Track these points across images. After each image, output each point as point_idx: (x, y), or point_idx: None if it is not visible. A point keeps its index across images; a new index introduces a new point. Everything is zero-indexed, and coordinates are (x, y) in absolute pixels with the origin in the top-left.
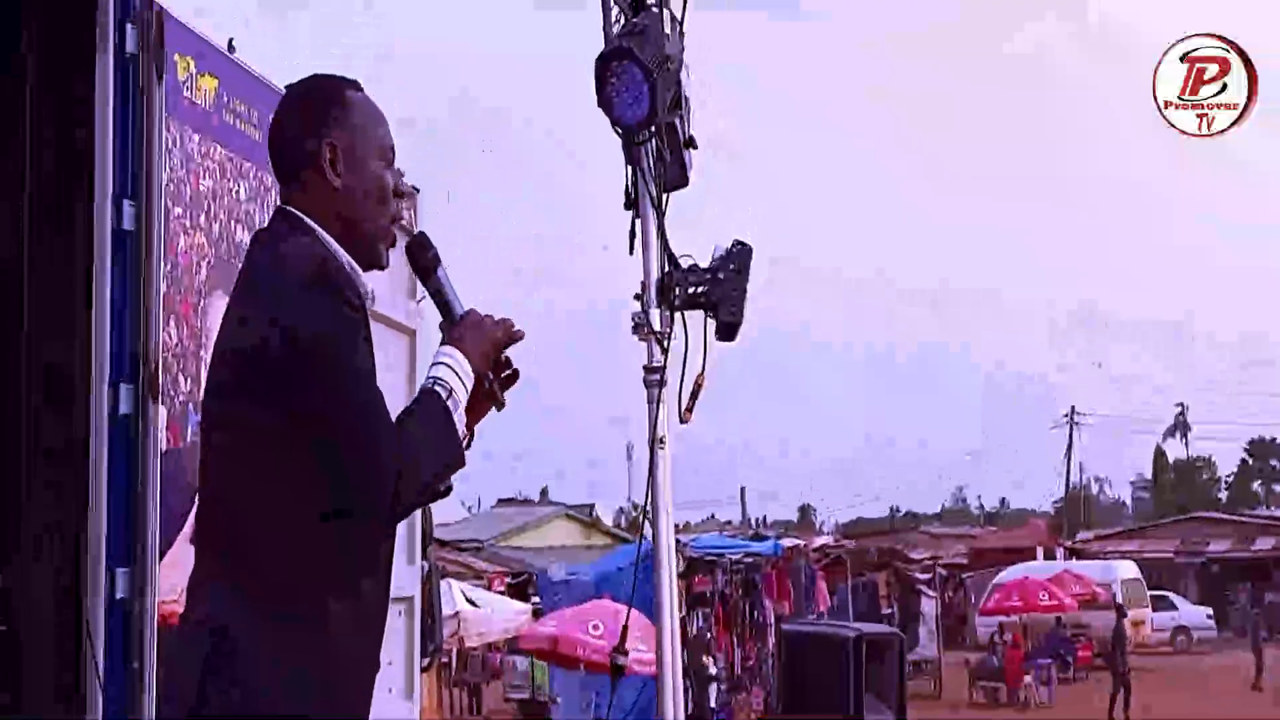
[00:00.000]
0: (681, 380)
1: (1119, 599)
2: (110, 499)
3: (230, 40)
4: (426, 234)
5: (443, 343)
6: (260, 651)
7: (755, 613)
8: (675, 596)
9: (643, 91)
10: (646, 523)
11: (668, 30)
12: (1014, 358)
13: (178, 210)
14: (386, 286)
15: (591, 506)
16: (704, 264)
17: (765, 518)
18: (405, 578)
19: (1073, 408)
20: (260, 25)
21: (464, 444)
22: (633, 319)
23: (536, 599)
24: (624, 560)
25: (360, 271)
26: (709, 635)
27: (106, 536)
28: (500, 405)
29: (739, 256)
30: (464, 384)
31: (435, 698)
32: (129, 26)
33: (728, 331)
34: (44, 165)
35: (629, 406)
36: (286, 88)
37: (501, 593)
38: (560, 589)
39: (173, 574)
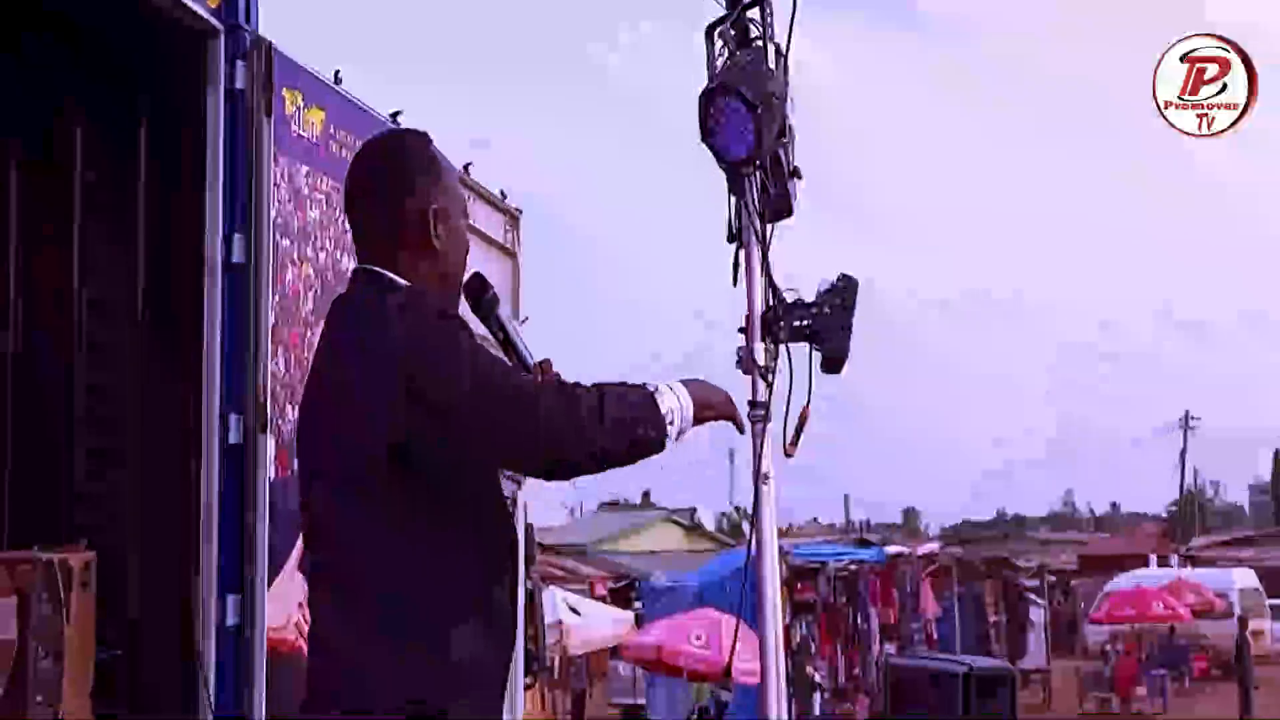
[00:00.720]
0: (786, 414)
1: (1237, 609)
2: (221, 527)
3: (337, 72)
4: (482, 274)
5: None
6: (393, 678)
7: (860, 620)
8: (779, 630)
9: (748, 126)
10: (746, 524)
11: (772, 64)
12: (1127, 357)
13: (285, 242)
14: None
15: (693, 510)
16: (809, 297)
17: (869, 521)
18: None
19: (1187, 411)
20: (367, 54)
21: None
22: (737, 353)
23: (639, 604)
24: (726, 568)
25: None
26: (812, 643)
27: (218, 564)
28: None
29: (844, 290)
30: (680, 404)
31: (539, 702)
32: (239, 63)
33: (833, 365)
34: (157, 200)
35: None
36: (365, 145)
37: (603, 597)
38: (663, 596)
39: (279, 602)
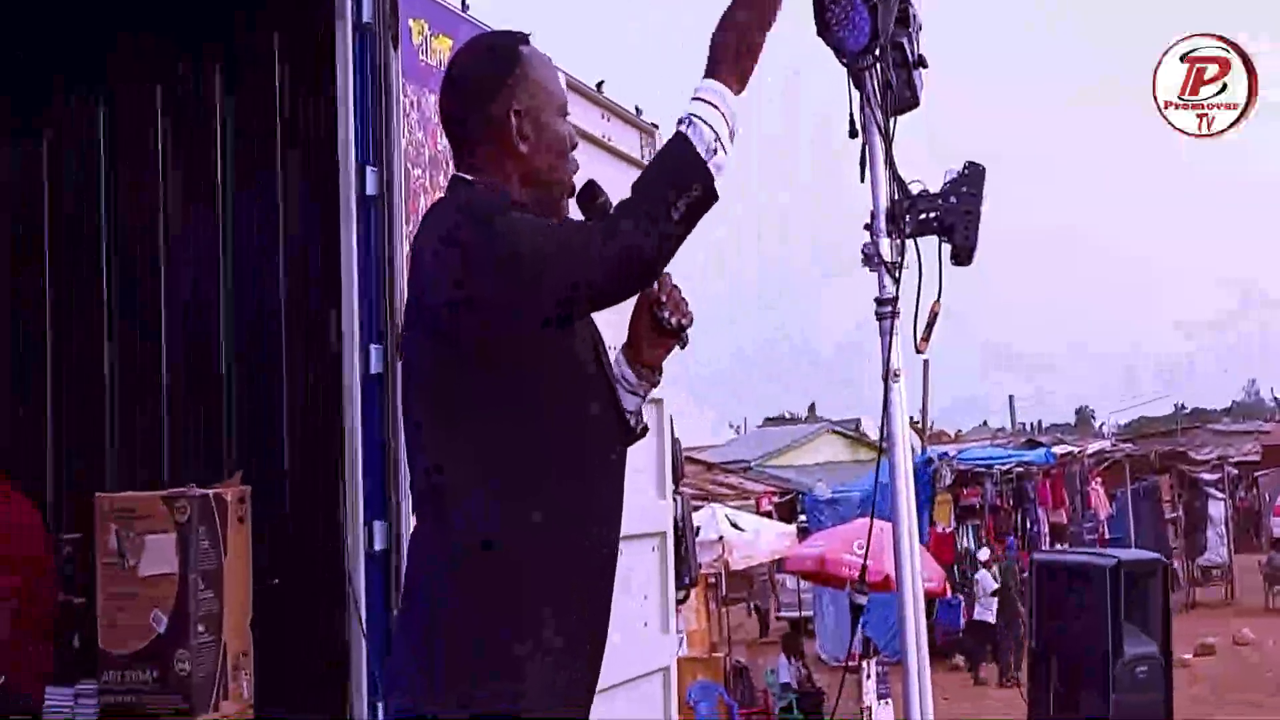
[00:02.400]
0: (916, 310)
1: None
2: (366, 456)
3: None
4: (595, 181)
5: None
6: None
7: (1029, 523)
8: (914, 530)
9: (863, 16)
10: (913, 432)
11: None
12: None
13: (417, 171)
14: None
15: (857, 421)
16: (934, 188)
17: (1040, 423)
18: (656, 513)
19: None
20: None
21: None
22: (862, 250)
23: (803, 517)
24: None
25: None
26: (980, 548)
27: (364, 491)
28: (684, 343)
29: (971, 178)
30: (721, 110)
31: (704, 618)
32: None
33: (962, 256)
34: (293, 136)
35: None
36: (456, 51)
37: (768, 513)
38: (825, 508)
39: None
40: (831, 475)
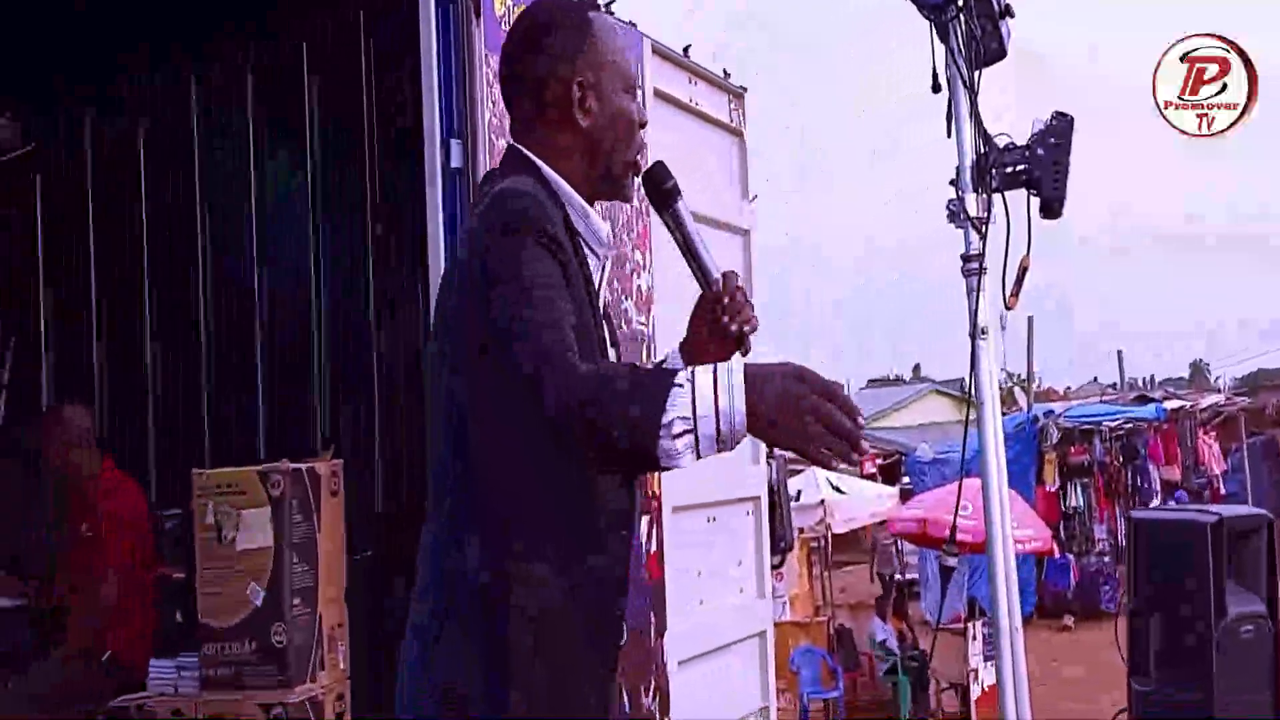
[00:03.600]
0: (1004, 265)
1: None
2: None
3: None
4: (664, 164)
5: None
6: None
7: (1140, 480)
8: (1004, 489)
9: None
10: (1019, 390)
11: None
12: None
13: (502, 143)
14: (719, 192)
15: (962, 381)
16: (1021, 141)
17: (1152, 378)
18: (750, 478)
19: None
20: None
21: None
22: (947, 206)
23: (906, 479)
24: None
25: (592, 214)
26: (1089, 506)
27: None
28: (746, 350)
29: (1059, 129)
30: (714, 411)
31: (806, 582)
32: None
33: (1051, 209)
34: (377, 111)
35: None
36: (521, 14)
37: (872, 475)
38: (929, 469)
39: None
40: (935, 436)
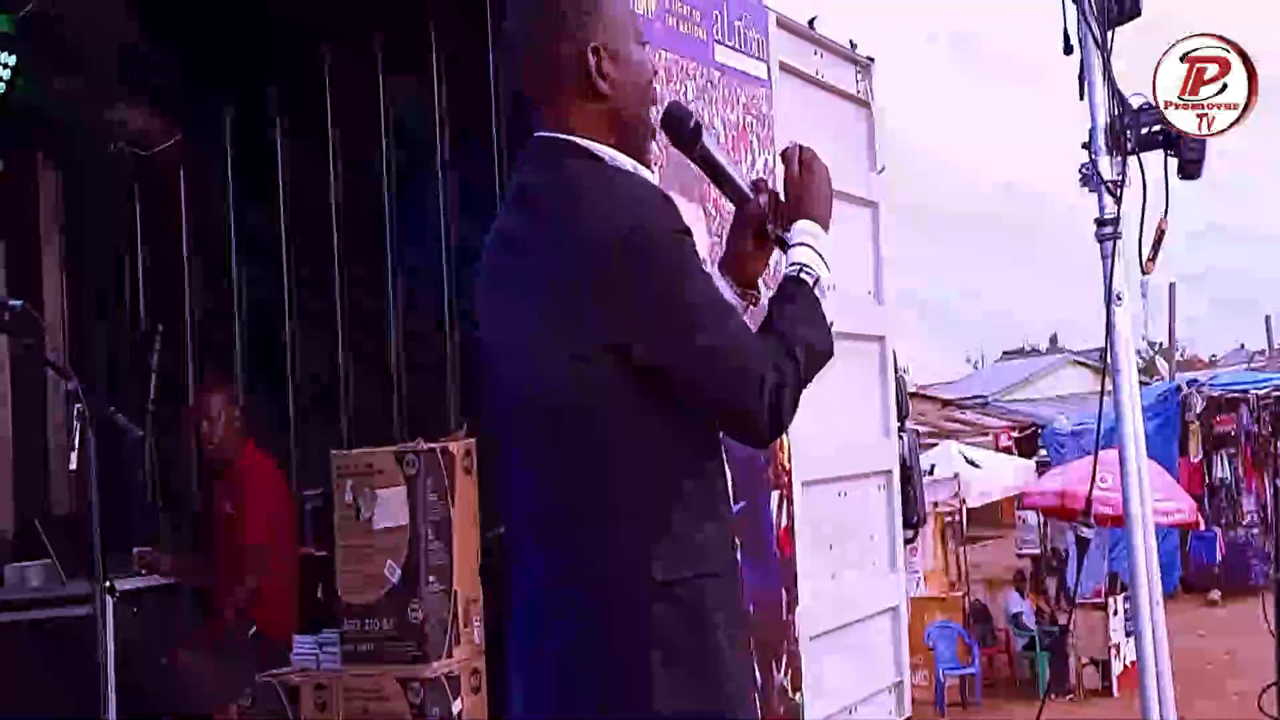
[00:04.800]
0: (1141, 228)
1: None
2: None
3: None
4: (680, 103)
5: (786, 222)
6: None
7: None
8: (1143, 459)
9: None
10: (1161, 359)
11: None
12: None
13: None
14: (846, 164)
15: (1101, 350)
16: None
17: None
18: (881, 451)
19: None
20: None
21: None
22: (1080, 170)
23: (1043, 452)
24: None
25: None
26: (1236, 477)
27: None
28: (785, 246)
29: None
30: (823, 257)
31: (942, 557)
32: None
33: (1191, 169)
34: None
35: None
36: None
37: (1008, 448)
38: (1067, 441)
39: None
40: (1074, 407)
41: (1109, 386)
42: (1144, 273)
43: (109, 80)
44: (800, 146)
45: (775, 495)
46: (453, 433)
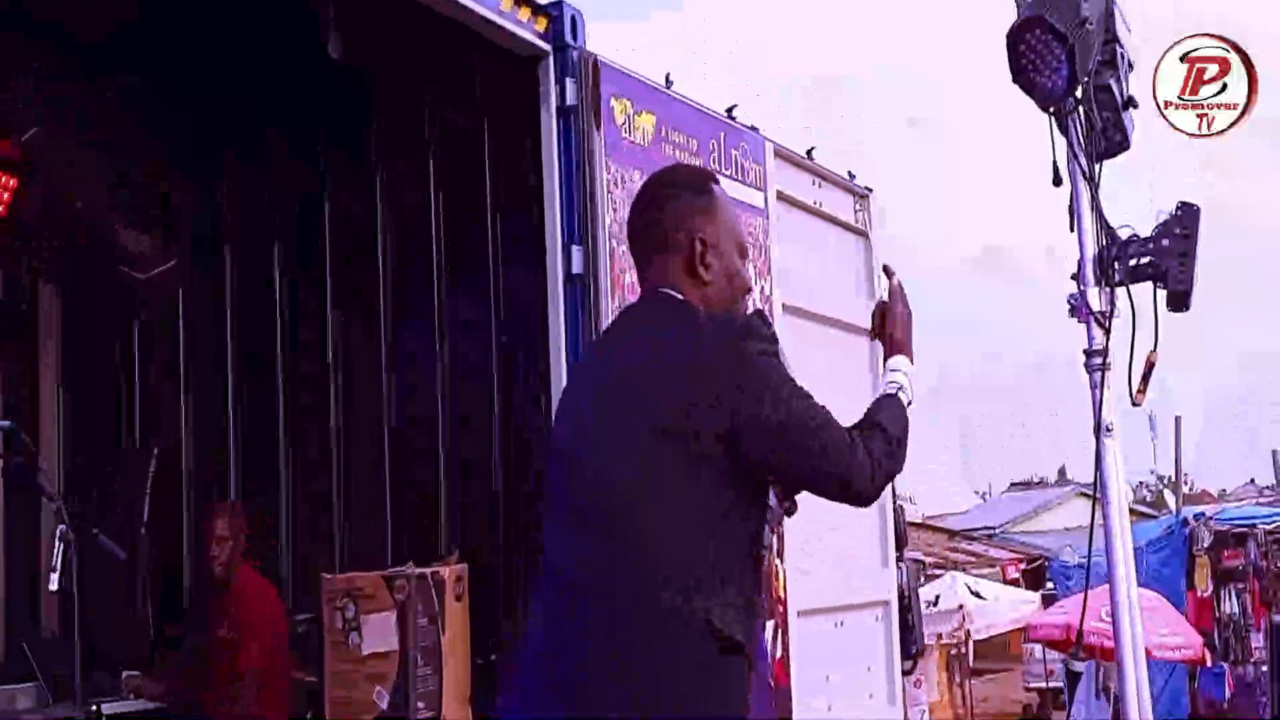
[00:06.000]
0: (1130, 360)
1: None
2: None
3: (667, 75)
4: (763, 312)
5: (887, 355)
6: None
7: None
8: (1133, 593)
9: (1060, 59)
10: (1169, 493)
11: None
12: None
13: (623, 248)
14: (843, 293)
15: None
16: (1145, 232)
17: None
18: (880, 581)
19: None
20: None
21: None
22: (1069, 301)
23: (1050, 584)
24: (1141, 538)
25: None
26: (1245, 613)
27: None
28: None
29: (1185, 219)
30: (910, 380)
31: (947, 690)
32: (568, 80)
33: (1179, 300)
34: (501, 218)
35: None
36: (651, 177)
37: (1015, 580)
38: (1075, 573)
39: None
40: (1081, 539)
41: (1100, 519)
42: (1134, 404)
43: (108, 203)
44: (899, 281)
45: (770, 625)
46: (445, 558)
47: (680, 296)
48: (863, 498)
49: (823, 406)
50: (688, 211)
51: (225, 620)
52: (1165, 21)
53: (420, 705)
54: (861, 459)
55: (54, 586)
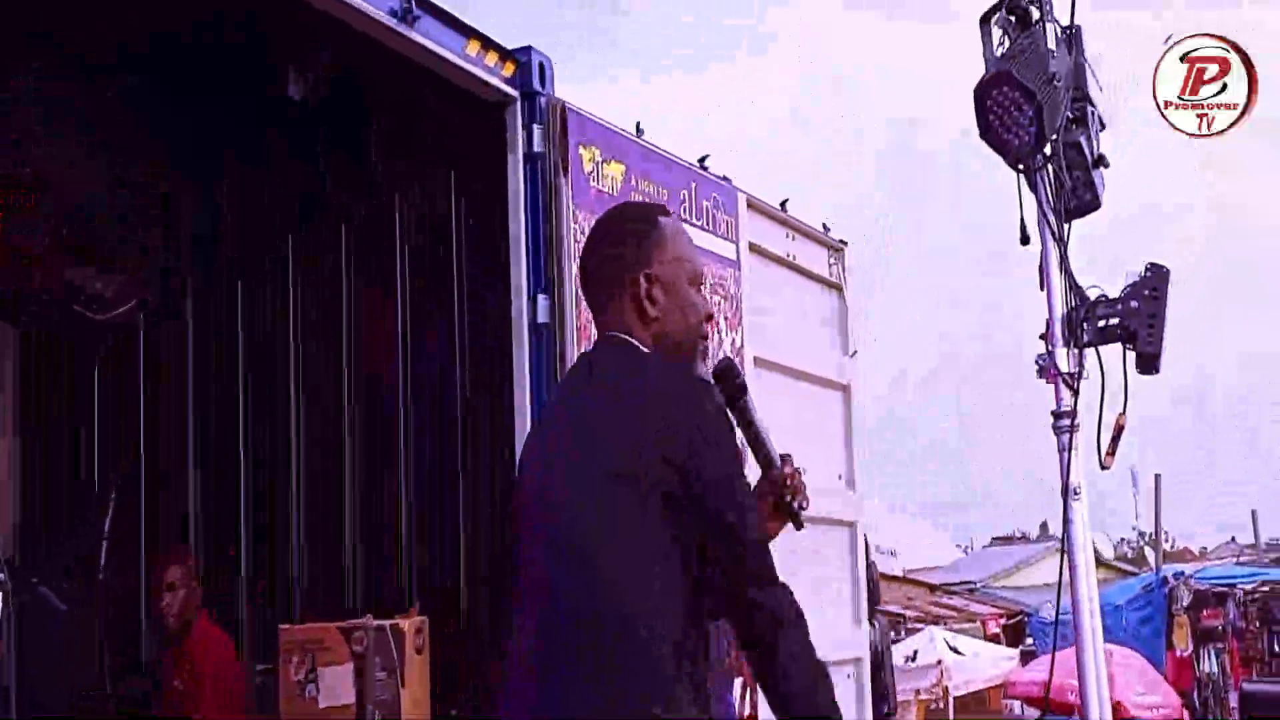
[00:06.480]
0: (1099, 421)
1: None
2: None
3: (638, 124)
4: (733, 361)
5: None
6: None
7: (1277, 646)
8: (1099, 655)
9: (1027, 116)
10: (1148, 549)
11: (1053, 46)
12: None
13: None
14: (817, 347)
15: (1092, 540)
16: (1113, 293)
17: None
18: (852, 638)
19: None
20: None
21: None
22: (1036, 361)
23: (1030, 640)
24: (1121, 597)
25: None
26: (1224, 673)
27: None
28: (799, 525)
29: (1154, 280)
30: None
31: None
32: (535, 127)
33: (1148, 363)
34: (466, 265)
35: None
36: (599, 219)
37: (995, 635)
38: (1052, 631)
39: None
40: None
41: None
42: (1103, 467)
43: (67, 242)
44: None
45: (739, 683)
46: (407, 610)
47: (630, 340)
48: (766, 613)
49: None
50: (632, 250)
51: (180, 671)
52: (1166, 21)
53: None
54: (784, 595)
55: None
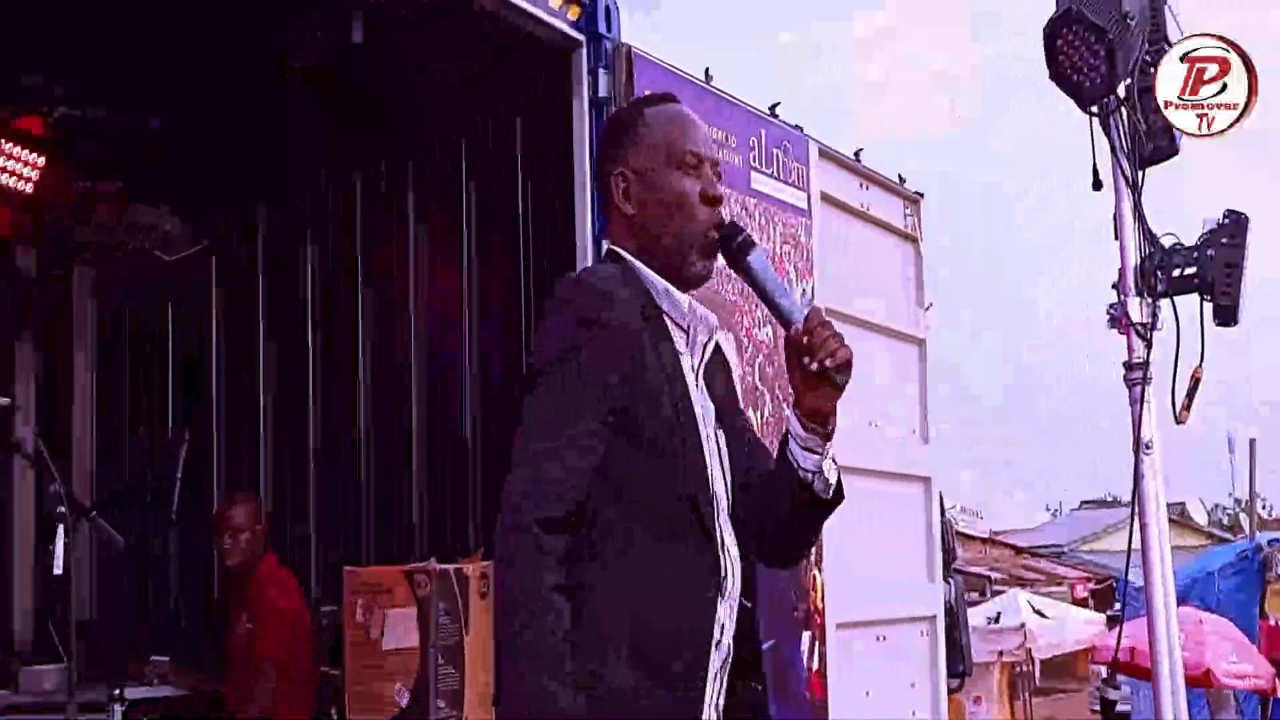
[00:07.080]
0: (1175, 374)
1: None
2: None
3: (707, 70)
4: (735, 222)
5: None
6: None
7: None
8: (1171, 611)
9: (1099, 57)
10: (1243, 516)
11: None
12: None
13: None
14: (891, 300)
15: (1182, 505)
16: (1190, 241)
17: None
18: (925, 596)
19: None
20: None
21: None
22: (1108, 311)
23: (1119, 605)
24: (1213, 563)
25: (673, 290)
26: None
27: None
28: (840, 387)
29: (1233, 228)
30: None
31: (1007, 708)
32: (601, 72)
33: (1226, 314)
34: (531, 213)
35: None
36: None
37: (1083, 599)
38: (1141, 595)
39: None
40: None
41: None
42: (1178, 422)
43: (136, 184)
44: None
45: (807, 636)
46: (473, 554)
47: (617, 249)
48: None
49: (568, 440)
50: (609, 151)
51: (246, 610)
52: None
53: (440, 705)
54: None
55: (58, 569)
